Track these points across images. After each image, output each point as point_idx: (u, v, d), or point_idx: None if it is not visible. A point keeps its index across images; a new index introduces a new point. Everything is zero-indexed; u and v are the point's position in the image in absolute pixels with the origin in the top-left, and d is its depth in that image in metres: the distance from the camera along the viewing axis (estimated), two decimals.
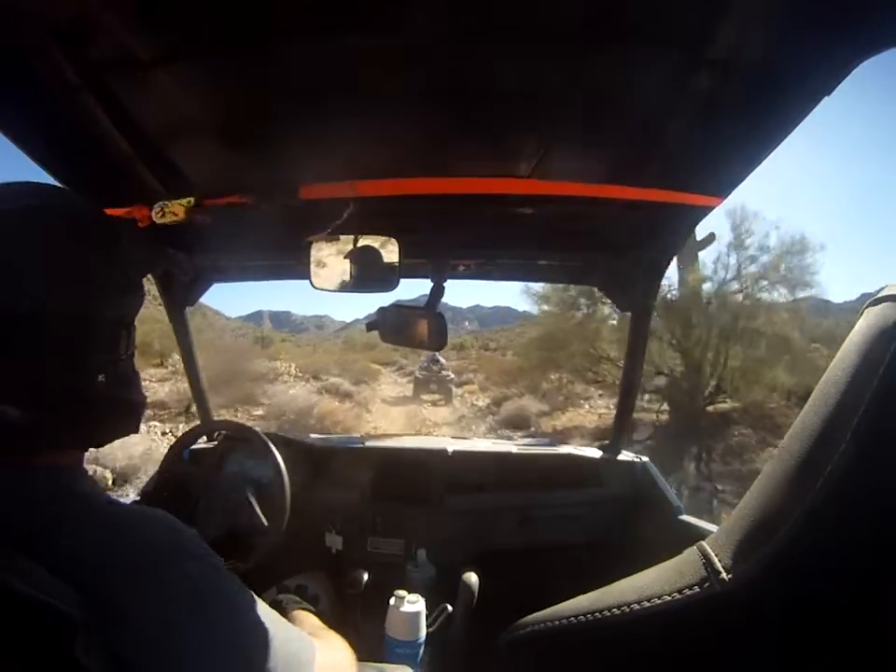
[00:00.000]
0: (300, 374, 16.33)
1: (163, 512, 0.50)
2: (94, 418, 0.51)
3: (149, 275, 1.26)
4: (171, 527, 0.49)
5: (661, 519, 1.33)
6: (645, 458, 1.54)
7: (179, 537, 0.48)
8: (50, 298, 0.47)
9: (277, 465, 1.31)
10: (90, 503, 0.47)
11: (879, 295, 0.32)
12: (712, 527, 1.18)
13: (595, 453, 1.56)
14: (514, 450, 1.58)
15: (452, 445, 1.57)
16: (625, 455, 1.53)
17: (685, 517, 1.30)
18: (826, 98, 0.64)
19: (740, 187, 0.88)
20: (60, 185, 0.87)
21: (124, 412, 0.55)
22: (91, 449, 0.53)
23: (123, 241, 0.55)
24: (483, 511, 1.47)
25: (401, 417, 11.68)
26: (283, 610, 0.78)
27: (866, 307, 0.33)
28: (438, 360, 14.70)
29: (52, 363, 0.47)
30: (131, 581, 0.43)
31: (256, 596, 0.53)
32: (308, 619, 0.77)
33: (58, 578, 0.39)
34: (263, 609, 0.51)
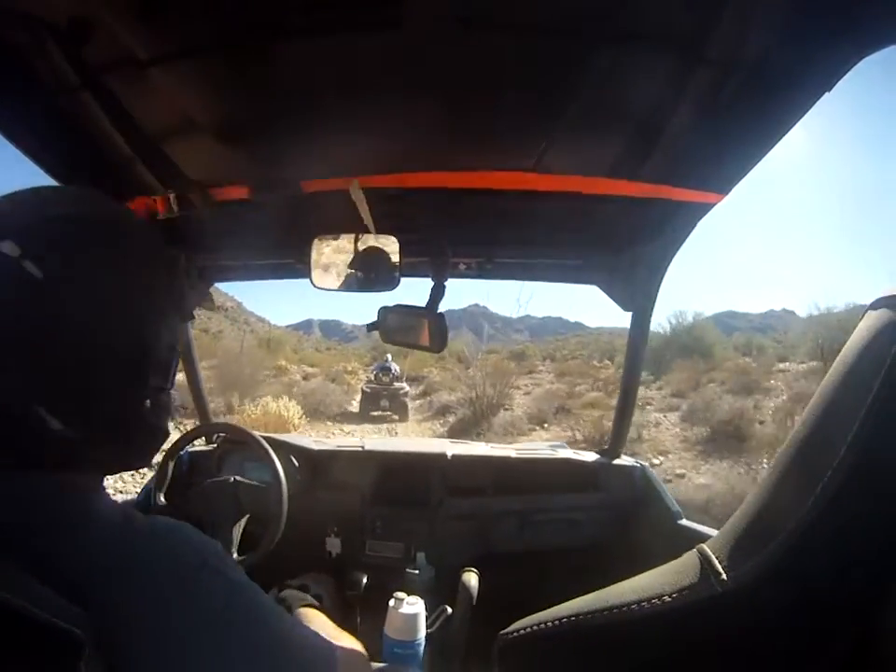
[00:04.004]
0: None
1: (189, 526, 0.49)
2: (128, 442, 0.50)
3: None
4: (195, 542, 0.48)
5: (659, 523, 1.32)
6: (644, 463, 1.53)
7: (203, 553, 0.47)
8: (121, 323, 0.46)
9: (275, 469, 1.31)
10: (107, 521, 0.46)
11: (879, 298, 0.32)
12: (711, 531, 1.18)
13: (593, 457, 1.56)
14: (514, 454, 1.57)
15: (451, 449, 1.57)
16: (624, 460, 1.53)
17: (684, 521, 1.29)
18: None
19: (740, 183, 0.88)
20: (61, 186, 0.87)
21: (153, 441, 0.53)
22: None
23: (181, 271, 0.54)
24: (482, 515, 1.47)
25: None
26: (288, 608, 0.78)
27: (867, 310, 0.33)
28: (389, 369, 11.82)
29: (110, 384, 0.45)
30: (152, 599, 0.42)
31: (280, 609, 0.52)
32: (316, 618, 0.76)
33: (65, 597, 0.38)
34: (287, 622, 0.51)
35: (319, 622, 0.75)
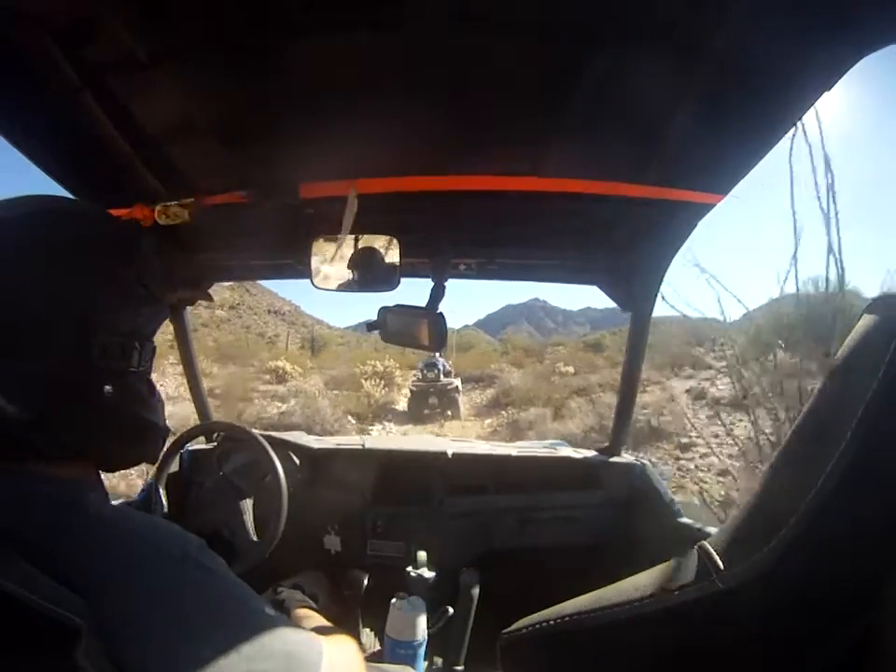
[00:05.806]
0: None
1: (170, 523, 0.50)
2: (103, 430, 0.50)
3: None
4: (177, 537, 0.49)
5: (660, 521, 1.32)
6: (644, 461, 1.54)
7: (186, 546, 0.48)
8: (57, 300, 0.47)
9: (275, 468, 1.31)
10: (94, 513, 0.47)
11: (876, 299, 0.32)
12: (712, 529, 1.18)
13: (594, 455, 1.56)
14: (514, 452, 1.58)
15: (452, 448, 1.57)
16: (624, 458, 1.53)
17: (684, 519, 1.30)
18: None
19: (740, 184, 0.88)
20: (61, 187, 0.87)
21: (137, 430, 0.53)
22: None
23: (144, 251, 0.54)
24: (483, 514, 1.47)
25: None
26: (285, 609, 0.78)
27: (864, 311, 0.33)
28: (435, 365, 11.27)
29: (54, 363, 0.46)
30: (135, 590, 0.43)
31: (263, 602, 0.52)
32: (312, 617, 0.76)
33: (61, 585, 0.39)
34: (270, 616, 0.51)
35: (314, 620, 0.75)
